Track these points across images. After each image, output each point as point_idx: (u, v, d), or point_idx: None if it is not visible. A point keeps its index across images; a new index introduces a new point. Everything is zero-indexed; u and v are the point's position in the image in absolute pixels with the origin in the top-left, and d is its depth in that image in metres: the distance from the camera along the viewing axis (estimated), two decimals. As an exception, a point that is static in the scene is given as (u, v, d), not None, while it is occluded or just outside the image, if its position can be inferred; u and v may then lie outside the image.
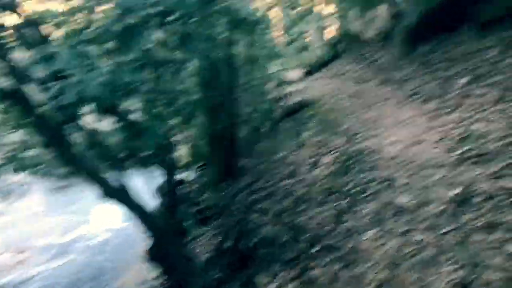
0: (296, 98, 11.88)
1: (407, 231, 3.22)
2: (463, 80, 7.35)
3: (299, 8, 13.46)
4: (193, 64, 7.33)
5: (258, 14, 6.29)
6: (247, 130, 9.60)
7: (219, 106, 7.99)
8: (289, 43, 12.14)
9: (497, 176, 3.78)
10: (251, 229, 5.04)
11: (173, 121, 8.95)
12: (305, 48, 13.87)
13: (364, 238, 3.33)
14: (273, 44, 10.17)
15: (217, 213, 7.60)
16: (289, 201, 5.92)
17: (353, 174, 4.92)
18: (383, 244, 3.18)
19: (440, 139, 5.17)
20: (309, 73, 15.44)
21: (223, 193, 8.22)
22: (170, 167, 9.17)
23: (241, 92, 8.80)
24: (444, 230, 3.10)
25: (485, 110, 5.71)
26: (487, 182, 3.68)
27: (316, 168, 6.40)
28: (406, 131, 5.89)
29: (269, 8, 7.80)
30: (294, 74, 16.83)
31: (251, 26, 5.91)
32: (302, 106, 11.06)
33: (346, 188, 4.65)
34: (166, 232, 5.66)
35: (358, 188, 4.39)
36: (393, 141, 5.39)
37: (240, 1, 5.80)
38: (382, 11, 15.23)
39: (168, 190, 9.14)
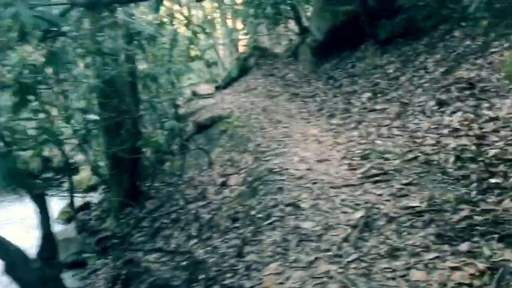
0: (207, 114, 11.49)
1: (312, 262, 2.94)
2: (365, 96, 7.54)
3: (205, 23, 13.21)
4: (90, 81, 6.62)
5: (157, 28, 5.86)
6: (153, 150, 8.95)
7: (119, 125, 7.31)
8: (197, 58, 11.76)
9: (399, 195, 3.70)
10: (145, 268, 4.47)
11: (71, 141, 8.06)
12: (214, 63, 13.59)
13: (267, 273, 2.99)
14: (180, 59, 9.69)
15: (117, 243, 6.85)
16: (194, 228, 5.47)
17: (259, 197, 4.61)
18: (287, 278, 2.86)
19: (344, 157, 5.10)
20: (220, 88, 15.18)
21: (125, 220, 7.49)
22: (70, 191, 8.24)
23: (146, 109, 8.21)
24: (348, 259, 2.86)
25: (386, 125, 5.81)
26: (389, 202, 3.58)
27: (224, 190, 6.03)
28: (313, 148, 5.77)
29: (172, 22, 7.35)
30: (205, 88, 16.50)
31: (149, 40, 5.41)
32: (213, 122, 10.69)
33: (252, 213, 4.32)
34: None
35: (263, 214, 4.08)
36: (299, 160, 5.21)
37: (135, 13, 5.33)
38: (290, 28, 15.57)
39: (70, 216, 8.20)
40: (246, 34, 14.48)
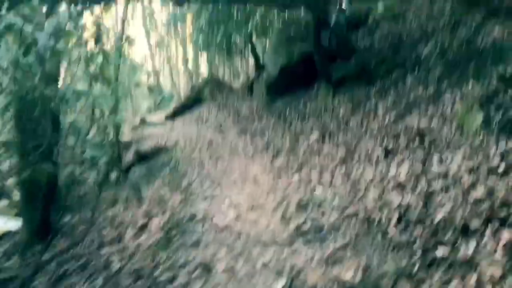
0: (151, 143, 10.68)
1: None
2: (313, 137, 7.05)
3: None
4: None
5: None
6: (79, 179, 8.00)
7: (36, 150, 6.39)
8: (140, 84, 11.12)
9: (332, 260, 3.08)
10: None
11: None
12: (153, 89, 12.94)
13: None
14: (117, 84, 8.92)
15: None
16: (99, 280, 4.58)
17: (173, 249, 3.86)
18: None
19: (279, 205, 4.48)
20: (172, 116, 14.45)
21: (32, 259, 6.43)
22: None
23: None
24: None
25: (329, 171, 5.29)
26: (318, 270, 2.93)
27: (142, 234, 5.20)
28: (248, 191, 5.12)
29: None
30: (156, 116, 15.71)
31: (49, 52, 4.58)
32: (156, 152, 9.87)
33: (158, 271, 3.54)
34: None
35: (169, 274, 3.32)
36: (230, 205, 4.53)
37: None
38: (248, 62, 15.28)
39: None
40: (202, 64, 13.94)
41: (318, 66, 8.76)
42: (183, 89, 17.74)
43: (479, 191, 3.51)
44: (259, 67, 12.32)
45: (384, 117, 6.03)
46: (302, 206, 4.29)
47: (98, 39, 5.06)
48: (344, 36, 9.13)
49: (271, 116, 9.91)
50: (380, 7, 4.80)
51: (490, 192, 3.46)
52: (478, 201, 3.40)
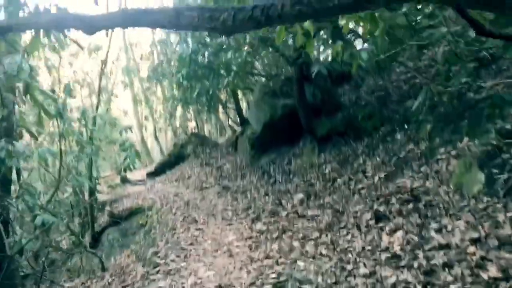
0: (127, 204, 9.94)
1: None
2: (298, 197, 6.46)
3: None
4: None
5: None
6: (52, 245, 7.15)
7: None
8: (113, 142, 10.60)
9: None
10: None
11: None
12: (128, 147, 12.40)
13: None
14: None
15: None
16: None
17: None
18: None
19: (253, 283, 3.76)
20: (153, 174, 13.80)
21: None
22: None
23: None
24: None
25: (313, 239, 4.62)
26: None
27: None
28: (219, 264, 4.40)
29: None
30: (137, 174, 15.05)
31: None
32: (131, 213, 9.12)
33: None
34: None
35: None
36: (194, 284, 3.79)
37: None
38: (231, 117, 14.94)
39: None
40: (185, 119, 13.56)
41: (303, 121, 8.35)
42: (166, 145, 17.27)
43: (491, 269, 2.87)
44: (243, 123, 11.93)
45: (373, 176, 5.48)
46: (279, 286, 3.58)
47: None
48: (328, 90, 8.82)
49: (254, 174, 9.33)
50: (364, 56, 4.39)
51: (505, 270, 2.83)
52: (491, 283, 2.76)
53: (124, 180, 13.61)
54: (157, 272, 4.37)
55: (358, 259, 3.73)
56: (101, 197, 11.43)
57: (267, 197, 7.20)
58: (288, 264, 4.06)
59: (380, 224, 4.23)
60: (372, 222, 4.36)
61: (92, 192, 9.27)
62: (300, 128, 8.78)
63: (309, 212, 5.64)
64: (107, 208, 8.99)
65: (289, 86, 9.98)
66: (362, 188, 5.40)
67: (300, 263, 3.98)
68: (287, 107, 9.43)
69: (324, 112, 8.52)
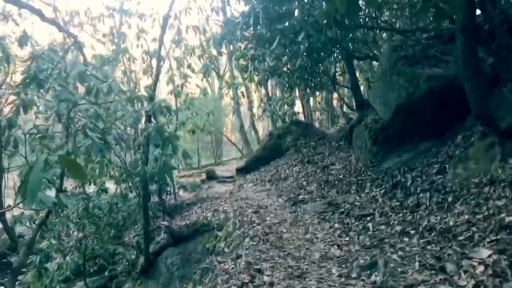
0: (193, 217, 7.39)
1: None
2: (481, 254, 3.11)
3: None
4: None
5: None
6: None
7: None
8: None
9: None
10: None
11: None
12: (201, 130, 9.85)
13: None
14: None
15: None
16: None
17: None
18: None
19: None
20: (243, 170, 11.29)
21: None
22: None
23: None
24: None
25: None
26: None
27: None
28: None
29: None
30: (226, 170, 12.73)
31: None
32: (196, 231, 6.60)
33: None
34: None
35: None
36: None
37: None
38: (345, 100, 11.61)
39: None
40: (284, 103, 10.65)
41: (472, 102, 4.80)
42: (260, 136, 14.68)
43: None
44: (361, 106, 8.57)
45: None
46: None
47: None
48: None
49: (377, 184, 6.07)
50: None
51: None
52: None
53: (211, 177, 11.32)
54: None
55: None
56: (176, 198, 9.25)
57: (406, 238, 3.93)
58: None
59: None
60: None
61: (145, 206, 6.63)
62: (462, 112, 5.29)
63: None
64: (164, 222, 6.60)
65: (438, 46, 6.40)
66: None
67: None
68: (437, 79, 6.00)
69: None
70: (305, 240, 4.44)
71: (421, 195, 4.85)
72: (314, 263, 3.61)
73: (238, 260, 3.79)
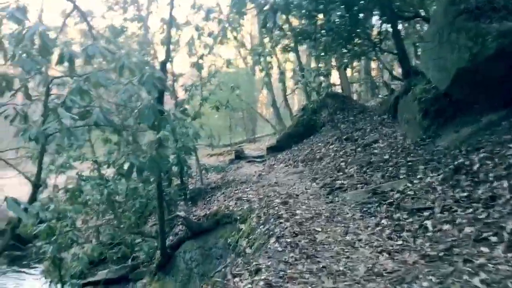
0: (213, 206, 6.56)
1: None
2: None
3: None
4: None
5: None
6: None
7: None
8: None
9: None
10: None
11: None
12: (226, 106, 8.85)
13: None
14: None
15: None
16: None
17: None
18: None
19: None
20: (275, 148, 10.37)
21: None
22: None
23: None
24: None
25: None
26: None
27: None
28: None
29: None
30: (256, 148, 11.84)
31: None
32: (217, 223, 5.78)
33: None
34: None
35: None
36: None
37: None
38: (388, 68, 10.31)
39: None
40: (319, 73, 9.51)
41: None
42: (294, 111, 13.58)
43: None
44: (408, 74, 7.35)
45: None
46: None
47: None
48: None
49: (433, 168, 4.95)
50: None
51: None
52: None
53: (240, 156, 10.49)
54: None
55: None
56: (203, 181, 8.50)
57: (484, 249, 2.91)
58: None
59: None
60: None
61: (160, 197, 5.71)
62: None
63: None
64: (181, 213, 5.83)
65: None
66: None
67: None
68: (509, 36, 4.76)
69: None
70: (344, 243, 3.50)
71: (495, 184, 3.76)
72: (358, 283, 2.67)
73: (256, 278, 2.90)
